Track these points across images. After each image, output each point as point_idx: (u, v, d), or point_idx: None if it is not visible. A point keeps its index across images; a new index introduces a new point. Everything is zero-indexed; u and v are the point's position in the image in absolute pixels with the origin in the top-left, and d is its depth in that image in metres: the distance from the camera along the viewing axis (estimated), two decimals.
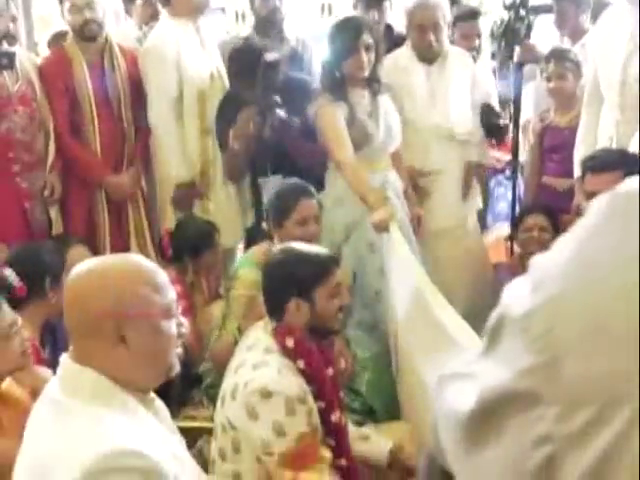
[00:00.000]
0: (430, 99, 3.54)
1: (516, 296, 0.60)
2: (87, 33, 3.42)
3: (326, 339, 2.23)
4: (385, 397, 2.83)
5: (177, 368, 1.51)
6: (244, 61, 3.39)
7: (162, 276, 1.48)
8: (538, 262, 0.61)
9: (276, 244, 2.73)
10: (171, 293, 1.48)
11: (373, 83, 3.22)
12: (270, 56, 3.31)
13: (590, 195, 2.75)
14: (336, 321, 2.16)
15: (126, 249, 3.47)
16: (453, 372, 0.71)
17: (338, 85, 3.13)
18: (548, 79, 3.64)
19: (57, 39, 3.94)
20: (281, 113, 3.27)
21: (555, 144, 3.63)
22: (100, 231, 3.51)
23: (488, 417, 0.61)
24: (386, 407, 2.80)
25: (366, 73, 3.15)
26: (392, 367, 2.96)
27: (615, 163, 2.71)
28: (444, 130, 3.56)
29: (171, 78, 3.50)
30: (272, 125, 3.28)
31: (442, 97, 3.55)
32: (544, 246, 3.31)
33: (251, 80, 3.29)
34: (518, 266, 3.43)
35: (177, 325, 1.48)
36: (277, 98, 3.27)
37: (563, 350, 0.55)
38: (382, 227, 2.83)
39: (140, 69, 3.56)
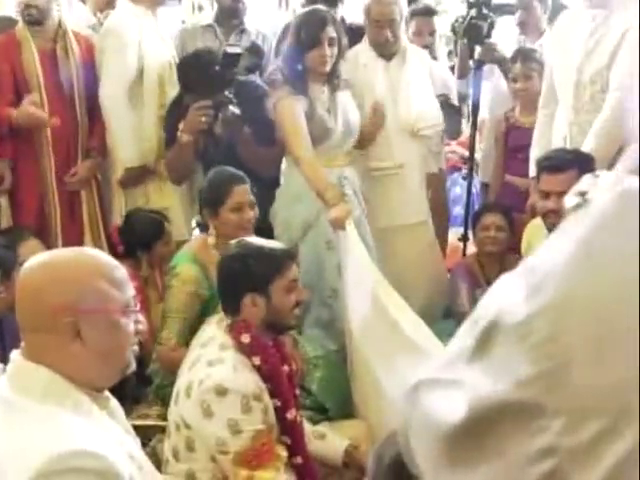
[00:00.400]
0: (390, 95, 3.54)
1: (509, 302, 0.56)
2: (27, 17, 3.32)
3: (282, 335, 2.20)
4: (337, 395, 2.82)
5: (133, 366, 1.47)
6: (192, 74, 3.28)
7: (121, 271, 1.44)
8: (532, 264, 0.57)
9: (212, 234, 2.70)
10: (130, 289, 1.45)
11: (333, 79, 3.21)
12: (231, 49, 3.25)
13: (545, 195, 2.78)
14: (292, 316, 2.15)
15: (79, 242, 3.39)
16: (431, 377, 0.67)
17: (299, 78, 3.11)
18: (514, 79, 3.67)
19: (6, 23, 3.82)
20: (235, 110, 3.21)
21: (519, 144, 3.65)
22: (52, 222, 3.41)
23: (479, 430, 0.57)
24: (338, 405, 2.80)
25: (328, 68, 3.13)
26: (346, 365, 2.96)
27: (570, 163, 2.74)
28: (406, 125, 3.56)
29: (131, 60, 3.42)
30: (224, 120, 3.20)
31: (403, 92, 3.56)
32: (500, 245, 3.35)
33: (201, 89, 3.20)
34: (474, 264, 3.46)
35: (134, 322, 1.45)
36: (231, 95, 3.21)
37: (570, 357, 0.51)
38: (339, 225, 2.83)
39: (96, 49, 3.48)
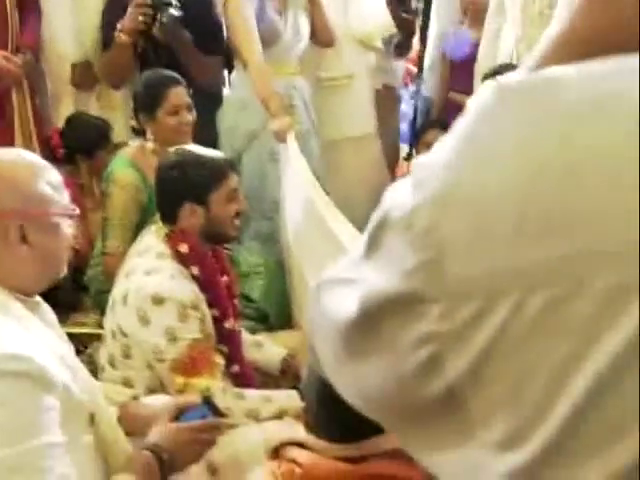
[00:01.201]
0: (343, 2, 3.44)
1: (398, 196, 0.57)
2: None
3: (221, 245, 2.18)
4: (278, 304, 2.85)
5: (64, 271, 1.46)
6: None
7: (57, 175, 1.43)
8: (420, 161, 0.57)
9: (149, 138, 2.65)
10: (66, 192, 1.44)
11: None
12: None
13: None
14: (233, 227, 2.12)
15: (10, 144, 3.24)
16: (331, 277, 0.68)
17: None
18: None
19: None
20: (175, 12, 3.05)
21: (465, 59, 3.62)
22: None
23: (369, 324, 0.58)
24: (279, 314, 2.83)
25: None
26: (285, 275, 2.98)
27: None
28: (358, 34, 3.48)
29: None
30: (162, 23, 3.03)
31: (355, 1, 3.46)
32: None
33: None
34: None
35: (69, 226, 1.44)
36: None
37: (448, 246, 0.52)
38: (280, 137, 2.79)
39: None
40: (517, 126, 0.52)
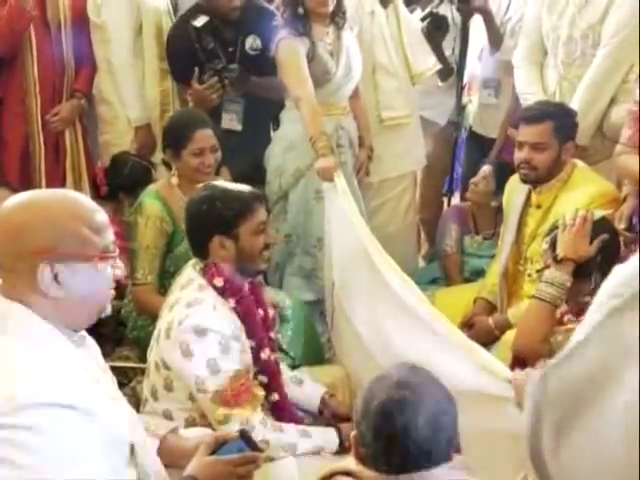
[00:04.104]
0: (394, 43, 3.49)
1: None
2: None
3: (254, 277, 2.21)
4: (304, 348, 2.82)
5: (109, 310, 1.48)
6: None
7: (102, 215, 1.43)
8: None
9: (175, 174, 2.73)
10: (110, 234, 1.44)
11: (337, 19, 3.14)
12: (197, 22, 3.25)
13: (519, 145, 2.73)
14: (261, 259, 2.15)
15: (62, 183, 3.38)
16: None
17: (300, 20, 3.04)
18: None
19: None
20: (233, 71, 3.26)
21: None
22: (35, 162, 3.40)
23: None
24: (305, 355, 2.81)
25: (330, 8, 3.06)
26: (319, 317, 2.99)
27: (546, 115, 2.69)
28: (414, 73, 3.55)
29: (129, 10, 3.39)
30: (232, 82, 3.28)
31: (405, 41, 3.51)
32: (484, 197, 3.35)
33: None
34: (468, 211, 3.48)
35: (113, 267, 1.44)
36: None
37: None
38: (326, 175, 2.82)
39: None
40: None
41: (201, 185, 2.21)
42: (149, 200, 2.72)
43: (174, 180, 2.73)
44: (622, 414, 0.65)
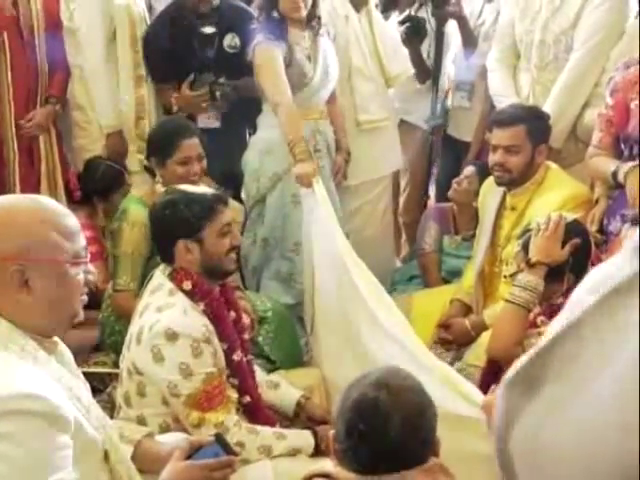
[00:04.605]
0: (369, 47, 3.50)
1: None
2: None
3: (222, 279, 2.20)
4: (284, 349, 2.83)
5: (81, 316, 1.48)
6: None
7: (73, 221, 1.43)
8: None
9: (159, 182, 2.72)
10: (81, 239, 1.44)
11: (313, 23, 3.14)
12: (206, 29, 3.29)
13: (493, 148, 2.76)
14: (229, 261, 2.15)
15: (36, 189, 3.35)
16: None
17: (277, 25, 3.04)
18: None
19: None
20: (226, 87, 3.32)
21: None
22: (10, 168, 3.37)
23: None
24: (284, 358, 2.80)
25: (303, 13, 3.06)
26: (297, 320, 3.00)
27: (518, 118, 2.72)
28: (389, 77, 3.56)
29: (101, 16, 3.37)
30: (223, 96, 3.35)
31: (380, 45, 3.53)
32: (464, 197, 3.36)
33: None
34: (449, 211, 3.49)
35: (85, 272, 1.44)
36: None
37: None
38: (304, 181, 2.82)
39: (60, 3, 3.40)
40: None
41: (163, 190, 2.20)
42: (134, 206, 2.72)
43: (159, 187, 2.71)
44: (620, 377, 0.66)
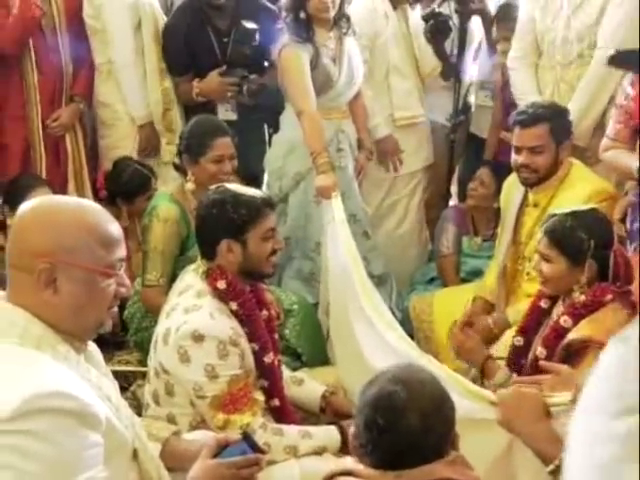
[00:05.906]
0: (406, 44, 3.52)
1: None
2: None
3: (258, 282, 2.22)
4: (311, 342, 2.86)
5: (109, 326, 1.47)
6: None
7: (115, 231, 1.41)
8: None
9: (191, 180, 2.73)
10: (119, 251, 1.42)
11: (340, 24, 3.13)
12: (247, 24, 3.27)
13: (517, 149, 2.72)
14: (269, 264, 2.16)
15: (63, 188, 3.39)
16: None
17: (303, 25, 3.04)
18: (496, 41, 3.60)
19: None
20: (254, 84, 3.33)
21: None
22: (37, 167, 3.41)
23: None
24: (312, 352, 2.84)
25: (332, 13, 3.05)
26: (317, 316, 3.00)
27: (541, 117, 2.68)
28: (424, 75, 3.60)
29: (128, 10, 3.41)
30: (250, 90, 3.35)
31: (415, 42, 3.54)
32: (483, 200, 3.36)
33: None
34: (467, 212, 3.50)
35: (118, 285, 1.43)
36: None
37: None
38: (324, 194, 2.83)
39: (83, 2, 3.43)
40: None
41: (213, 187, 2.21)
42: (166, 204, 2.73)
43: (190, 186, 2.73)
44: None
